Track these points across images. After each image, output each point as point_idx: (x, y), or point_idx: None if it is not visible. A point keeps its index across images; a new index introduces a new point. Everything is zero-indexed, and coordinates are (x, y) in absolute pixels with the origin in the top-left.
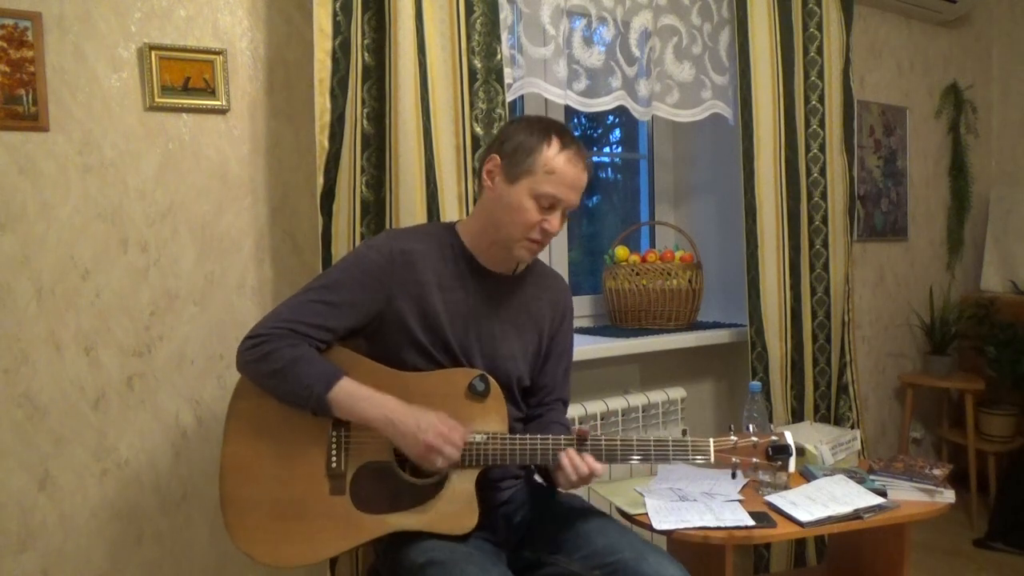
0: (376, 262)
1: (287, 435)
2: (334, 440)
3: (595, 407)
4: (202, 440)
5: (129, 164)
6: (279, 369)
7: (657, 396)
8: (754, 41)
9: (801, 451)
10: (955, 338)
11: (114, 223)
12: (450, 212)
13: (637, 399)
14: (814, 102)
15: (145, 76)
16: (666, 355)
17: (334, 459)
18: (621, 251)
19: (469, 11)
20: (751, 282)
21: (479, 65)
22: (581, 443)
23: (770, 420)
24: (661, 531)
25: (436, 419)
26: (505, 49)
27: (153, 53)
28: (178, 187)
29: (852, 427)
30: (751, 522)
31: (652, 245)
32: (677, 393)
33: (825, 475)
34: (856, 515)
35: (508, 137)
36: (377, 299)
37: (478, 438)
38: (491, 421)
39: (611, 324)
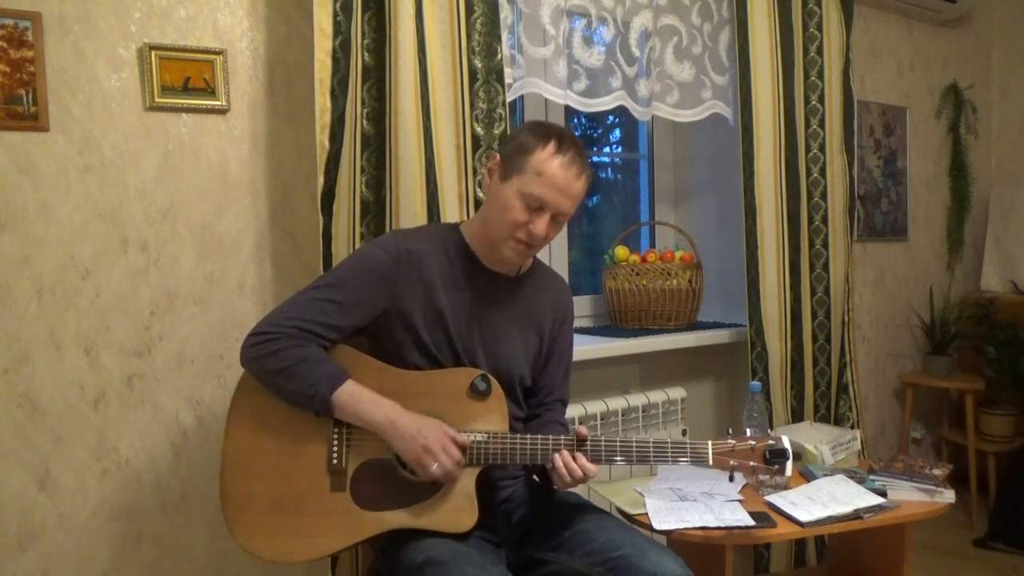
0: (382, 261)
1: (289, 431)
2: (335, 437)
3: (595, 407)
4: (202, 440)
5: (129, 164)
6: (285, 368)
7: (657, 396)
8: (754, 41)
9: (799, 455)
10: (955, 338)
11: (114, 223)
12: (450, 212)
13: (637, 399)
14: (814, 102)
15: (145, 76)
16: (666, 355)
17: (335, 456)
18: (621, 251)
19: (469, 11)
20: (751, 282)
21: (479, 65)
22: (580, 444)
23: (770, 420)
24: (661, 531)
25: (438, 427)
26: (505, 49)
27: (153, 53)
28: (178, 187)
29: (852, 427)
30: (751, 522)
31: (652, 245)
32: (677, 393)
33: (825, 475)
34: (856, 515)
35: (512, 137)
36: (383, 298)
37: (479, 437)
38: (492, 420)
39: (611, 324)
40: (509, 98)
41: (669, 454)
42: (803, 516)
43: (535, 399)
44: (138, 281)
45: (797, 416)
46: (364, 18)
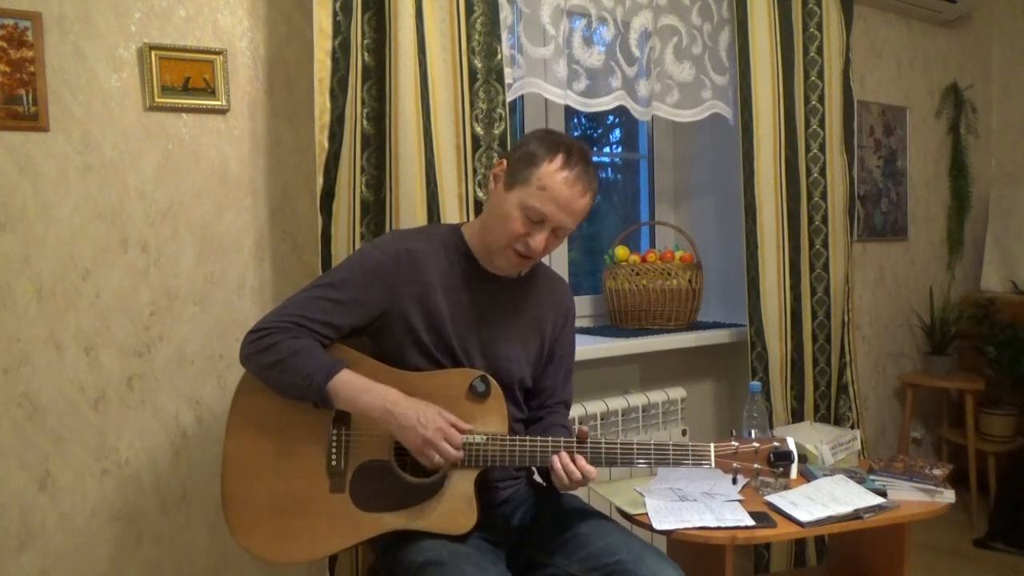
0: (381, 262)
1: (288, 432)
2: (334, 438)
3: (595, 407)
4: (202, 440)
5: (129, 164)
6: (280, 360)
7: (657, 396)
8: (754, 41)
9: (804, 457)
10: (955, 338)
11: (114, 223)
12: (450, 212)
13: (637, 399)
14: (814, 102)
15: (145, 76)
16: (666, 355)
17: (334, 457)
18: (621, 251)
19: (469, 11)
20: (751, 282)
21: (479, 65)
22: (579, 445)
23: (770, 420)
24: (661, 531)
25: (437, 413)
26: (505, 49)
27: (153, 53)
28: (178, 187)
29: (852, 427)
30: (751, 522)
31: (652, 245)
32: (677, 393)
33: (825, 475)
34: (856, 515)
35: (522, 144)
36: (382, 298)
37: (478, 439)
38: (491, 422)
39: (611, 324)
40: (509, 98)
41: (671, 457)
42: (803, 516)
43: (537, 401)
44: (138, 281)
45: (797, 416)
46: (364, 18)
